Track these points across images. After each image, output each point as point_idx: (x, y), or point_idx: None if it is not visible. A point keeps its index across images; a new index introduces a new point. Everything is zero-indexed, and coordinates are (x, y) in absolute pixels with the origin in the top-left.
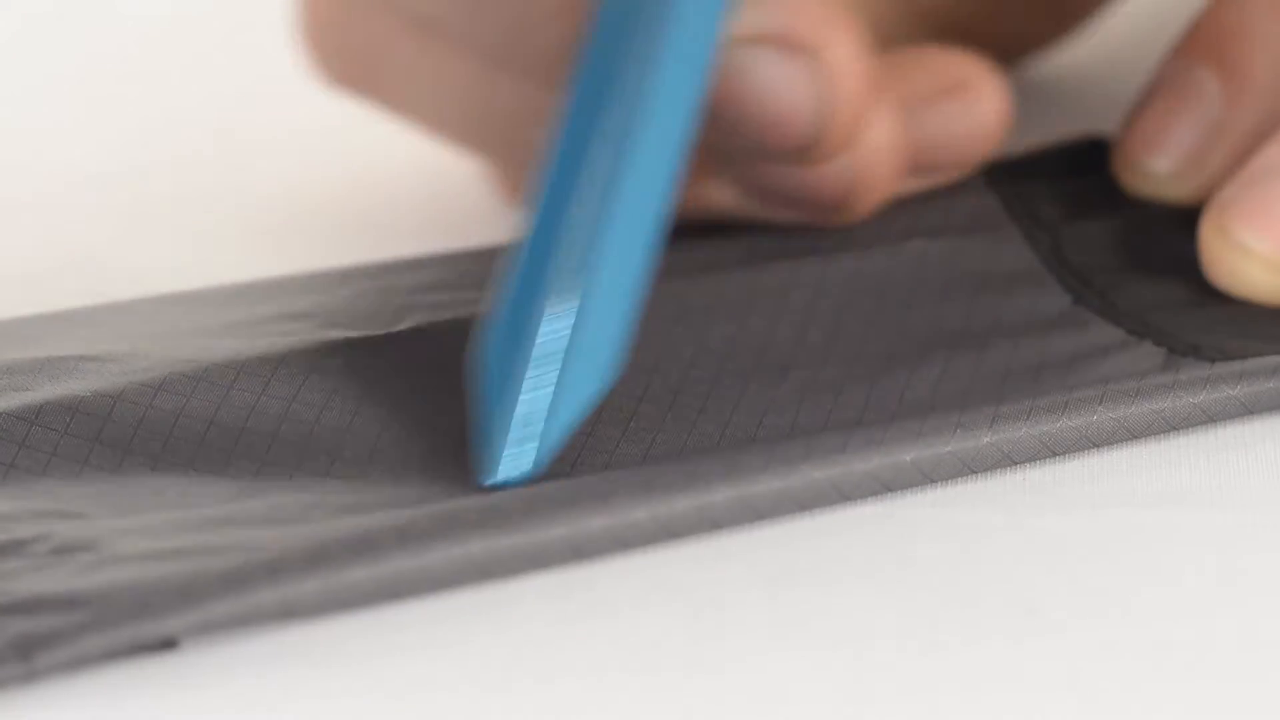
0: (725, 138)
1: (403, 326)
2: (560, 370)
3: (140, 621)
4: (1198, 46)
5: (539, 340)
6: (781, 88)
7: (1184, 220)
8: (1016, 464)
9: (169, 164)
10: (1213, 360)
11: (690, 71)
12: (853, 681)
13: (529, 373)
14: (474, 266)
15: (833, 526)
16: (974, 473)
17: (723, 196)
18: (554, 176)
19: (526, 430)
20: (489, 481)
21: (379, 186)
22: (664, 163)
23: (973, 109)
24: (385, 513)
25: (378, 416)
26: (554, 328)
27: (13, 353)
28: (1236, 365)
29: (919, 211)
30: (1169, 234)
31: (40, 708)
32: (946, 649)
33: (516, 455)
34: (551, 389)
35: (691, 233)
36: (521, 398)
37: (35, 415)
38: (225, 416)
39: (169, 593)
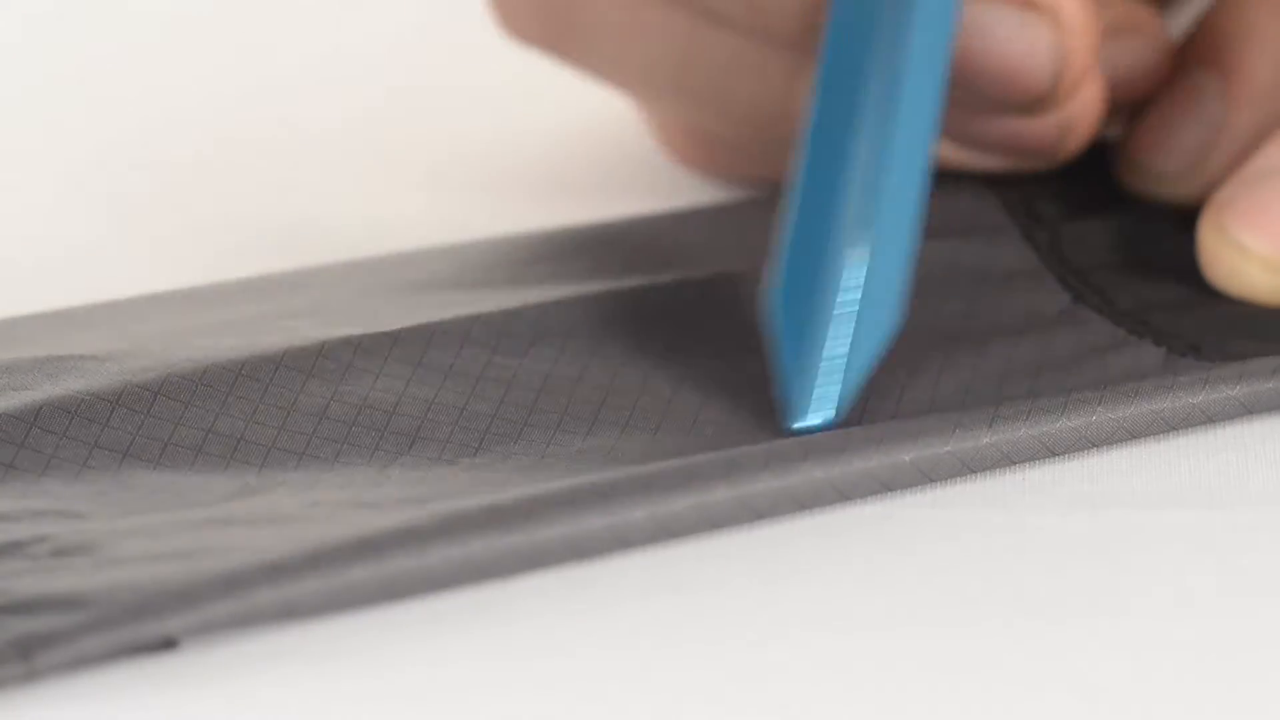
0: (965, 93)
1: (404, 325)
2: (856, 319)
3: (140, 622)
4: (1199, 48)
5: (840, 291)
6: (1022, 45)
7: (1184, 220)
8: (1016, 464)
9: (169, 163)
10: (1212, 360)
11: (941, 26)
12: (853, 681)
13: (832, 321)
14: (476, 260)
15: (832, 526)
16: (973, 472)
17: (939, 149)
18: (819, 135)
19: (831, 377)
20: (797, 425)
21: (381, 186)
22: (926, 115)
23: (1141, 49)
24: (385, 512)
25: (377, 417)
26: (851, 277)
27: (12, 352)
28: (1236, 366)
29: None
30: (1169, 233)
31: (40, 708)
32: (946, 649)
33: (822, 399)
34: (849, 337)
35: (690, 234)
36: (827, 344)
37: (35, 415)
38: (225, 417)
39: (169, 593)
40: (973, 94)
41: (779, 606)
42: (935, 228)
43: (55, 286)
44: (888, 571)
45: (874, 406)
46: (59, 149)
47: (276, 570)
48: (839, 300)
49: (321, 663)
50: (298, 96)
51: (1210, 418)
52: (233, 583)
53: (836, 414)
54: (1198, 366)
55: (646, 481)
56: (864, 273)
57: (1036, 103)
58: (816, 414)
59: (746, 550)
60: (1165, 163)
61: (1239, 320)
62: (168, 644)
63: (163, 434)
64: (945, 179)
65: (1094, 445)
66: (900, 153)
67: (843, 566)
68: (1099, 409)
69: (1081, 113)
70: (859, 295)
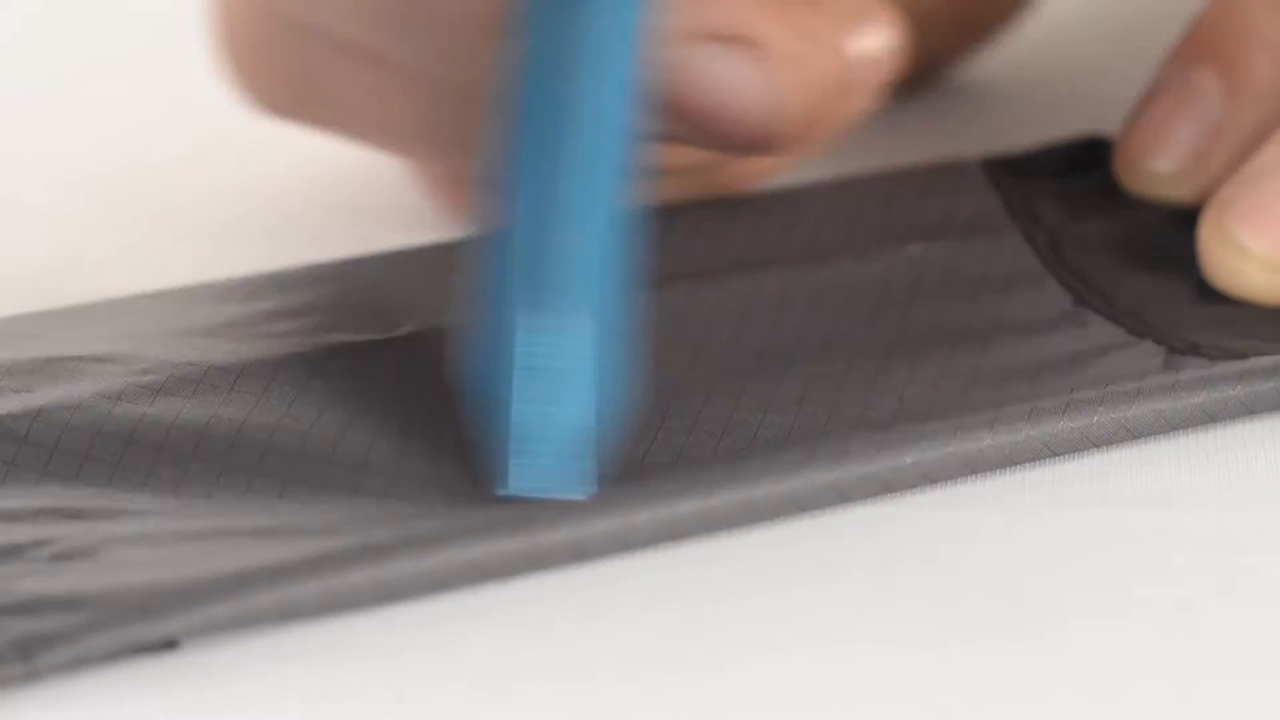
0: (689, 135)
1: (401, 331)
2: (549, 385)
3: (141, 623)
4: (1198, 47)
5: (518, 354)
6: (729, 84)
7: (1184, 220)
8: (1017, 464)
9: (169, 163)
10: (1213, 359)
11: (614, 75)
12: (853, 681)
13: (515, 386)
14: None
15: (833, 527)
16: (974, 473)
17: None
18: (510, 186)
19: (528, 444)
20: (501, 493)
21: (382, 182)
22: (605, 166)
23: (868, 44)
24: (380, 524)
25: (371, 423)
26: (531, 341)
27: (12, 352)
28: (1237, 365)
29: (919, 212)
30: (1169, 233)
31: (41, 708)
32: (946, 649)
33: (526, 468)
34: (543, 404)
35: (689, 235)
36: (515, 410)
37: (36, 415)
38: (224, 418)
39: (170, 594)
40: (696, 136)
41: (780, 607)
42: (935, 228)
43: (55, 286)
44: (888, 573)
45: (876, 404)
46: (59, 148)
47: (277, 573)
48: (520, 367)
49: (322, 662)
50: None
51: (1211, 417)
52: (233, 584)
53: (548, 484)
54: (1199, 366)
55: (648, 489)
56: (547, 339)
57: (763, 145)
58: (521, 482)
59: (747, 551)
60: (1164, 163)
61: (1240, 320)
62: (168, 644)
63: (162, 431)
64: (945, 179)
65: (1095, 445)
66: (575, 204)
67: (843, 567)
68: (1100, 409)
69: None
70: (544, 363)
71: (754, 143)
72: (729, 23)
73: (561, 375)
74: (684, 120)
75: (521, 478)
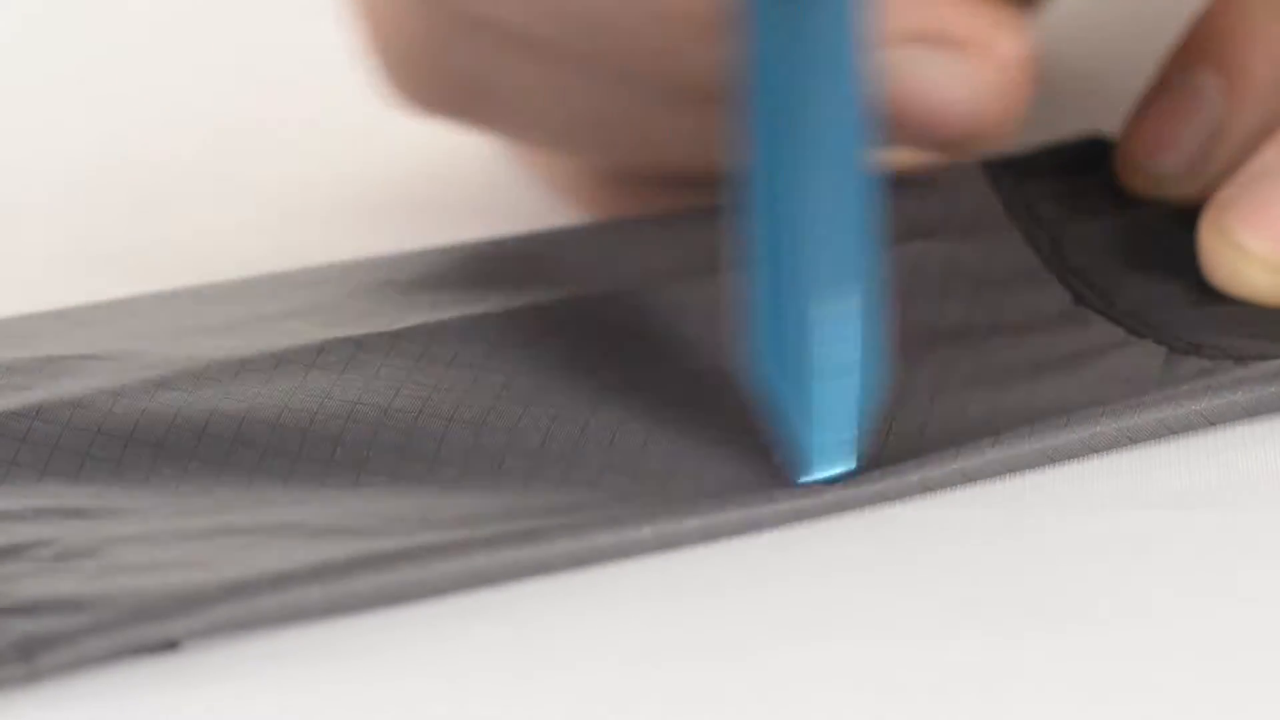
0: (895, 136)
1: (402, 326)
2: (843, 368)
3: (142, 624)
4: (1199, 47)
5: (816, 342)
6: (939, 86)
7: (1185, 220)
8: (1018, 471)
9: (169, 162)
10: (1213, 359)
11: (843, 67)
12: (853, 681)
13: (814, 379)
14: (473, 261)
15: (834, 527)
16: (976, 482)
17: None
18: (760, 189)
19: (831, 429)
20: (806, 479)
21: (381, 179)
22: (845, 158)
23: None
24: (380, 523)
25: (370, 419)
26: (827, 327)
27: (13, 352)
28: (1238, 370)
29: (919, 211)
30: (1170, 233)
31: (41, 708)
32: (946, 649)
33: (829, 452)
34: (838, 387)
35: (691, 236)
36: (815, 401)
37: (36, 413)
38: (225, 415)
39: (171, 597)
40: (909, 137)
41: (780, 607)
42: (936, 227)
43: (56, 285)
44: (889, 573)
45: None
46: (59, 148)
47: (280, 578)
48: (817, 356)
49: (323, 663)
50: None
51: (1212, 423)
52: (235, 589)
53: (852, 465)
54: (1199, 367)
55: (652, 505)
56: (836, 326)
57: (972, 138)
58: (825, 466)
59: (748, 552)
60: (1165, 163)
61: (1240, 320)
62: (169, 645)
63: (163, 426)
64: (945, 179)
65: (1097, 453)
66: (824, 200)
67: (844, 568)
68: (1102, 420)
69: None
70: (839, 348)
71: (965, 139)
72: (929, 23)
73: (850, 358)
74: (898, 122)
75: (824, 461)
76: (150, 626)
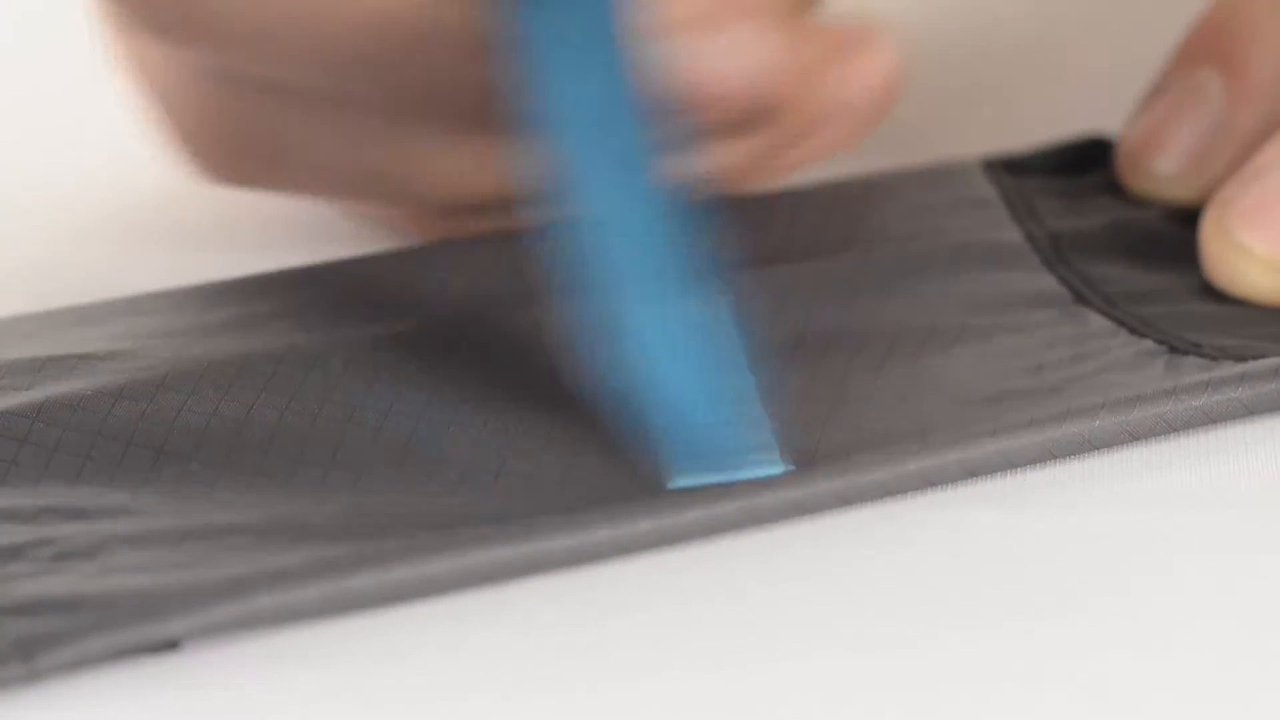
0: (706, 119)
1: (403, 327)
2: (695, 367)
3: (142, 624)
4: (1200, 47)
5: (656, 343)
6: (722, 63)
7: (1186, 219)
8: (1018, 467)
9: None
10: (1213, 358)
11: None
12: (853, 680)
13: (664, 374)
14: (470, 258)
15: (834, 527)
16: (975, 477)
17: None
18: (571, 197)
19: (690, 431)
20: (673, 486)
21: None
22: (646, 165)
23: (865, 70)
24: (381, 523)
25: (371, 420)
26: (664, 328)
27: (13, 352)
28: (1238, 367)
29: (920, 210)
30: (1171, 233)
31: (42, 708)
32: (946, 648)
33: (693, 456)
34: (694, 387)
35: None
36: (671, 397)
37: (37, 413)
38: (225, 416)
39: (171, 596)
40: (713, 114)
41: (781, 607)
42: (936, 226)
43: (57, 285)
44: (889, 573)
45: (875, 404)
46: (60, 147)
47: (279, 576)
48: (664, 360)
49: (323, 663)
50: None
51: (1212, 420)
52: (235, 586)
53: (728, 465)
54: (1200, 366)
55: (653, 499)
56: (674, 329)
57: (753, 119)
58: (687, 476)
59: (749, 552)
60: (1167, 163)
61: (1241, 319)
62: (170, 645)
63: (164, 426)
64: (945, 179)
65: (1097, 448)
66: (623, 204)
67: (845, 567)
68: (1102, 414)
69: (791, 138)
70: (681, 347)
71: (762, 100)
72: (694, 7)
73: (699, 358)
74: (701, 107)
75: (693, 465)
76: (150, 626)
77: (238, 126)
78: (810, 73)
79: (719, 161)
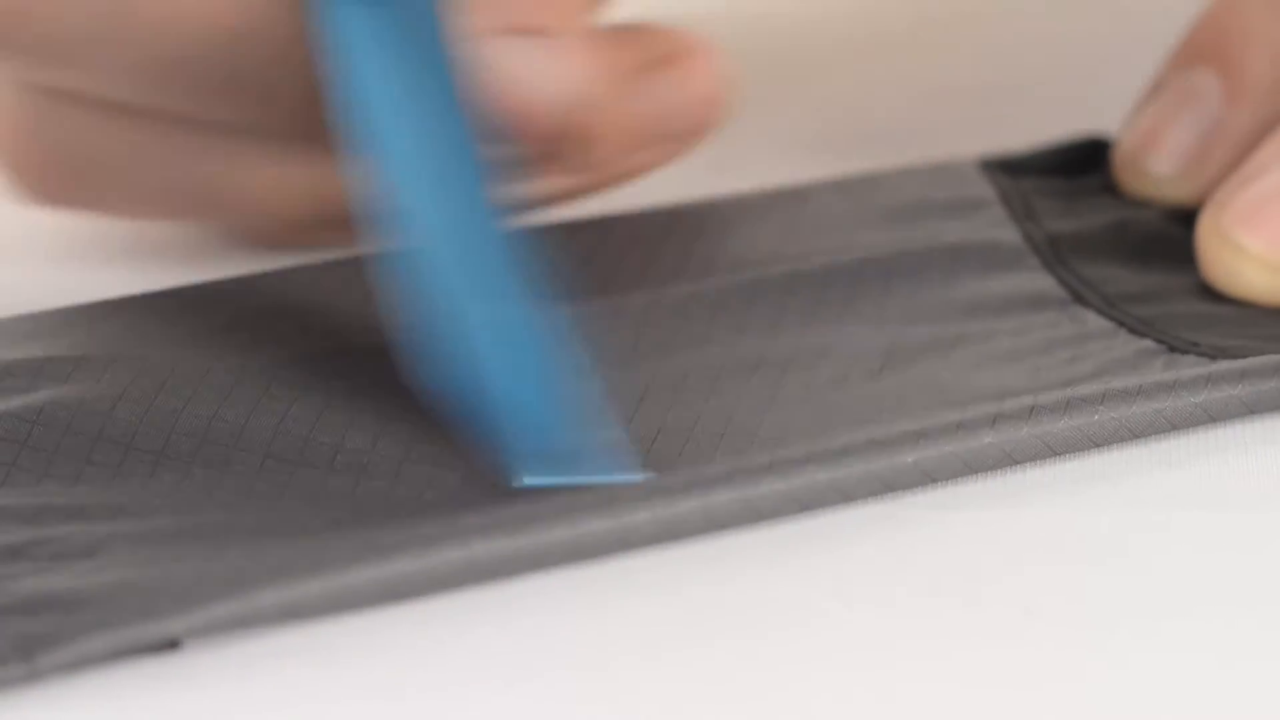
0: (512, 134)
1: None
2: (525, 373)
3: (143, 623)
4: (1198, 48)
5: (483, 348)
6: (525, 73)
7: (1183, 219)
8: (1018, 463)
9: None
10: (1213, 357)
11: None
12: (853, 679)
13: (493, 378)
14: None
15: (834, 527)
16: (975, 473)
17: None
18: (396, 204)
19: (535, 432)
20: (519, 484)
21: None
22: (476, 174)
23: (689, 79)
24: (382, 522)
25: (371, 424)
26: (493, 334)
27: (13, 352)
28: (1238, 364)
29: (917, 211)
30: (1168, 233)
31: (42, 708)
32: (946, 648)
33: (540, 457)
34: (529, 391)
35: (688, 237)
36: (507, 399)
37: (37, 415)
38: (226, 416)
39: (171, 594)
40: (517, 132)
41: (781, 606)
42: (935, 227)
43: (58, 285)
44: (889, 572)
45: (873, 404)
46: None
47: (278, 572)
48: (491, 364)
49: (324, 662)
50: None
51: (1212, 417)
52: (235, 584)
53: (558, 473)
54: (1199, 364)
55: (649, 487)
56: (500, 332)
57: (559, 137)
58: (537, 474)
59: (748, 550)
60: (1164, 164)
61: (1239, 319)
62: (170, 644)
63: (165, 428)
64: (945, 179)
65: (1096, 445)
66: (452, 211)
67: (845, 567)
68: (1101, 408)
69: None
70: (509, 353)
71: (563, 127)
72: (511, 17)
73: (528, 363)
74: (502, 116)
75: (539, 467)
76: (150, 625)
77: (55, 143)
78: (626, 87)
79: (537, 185)
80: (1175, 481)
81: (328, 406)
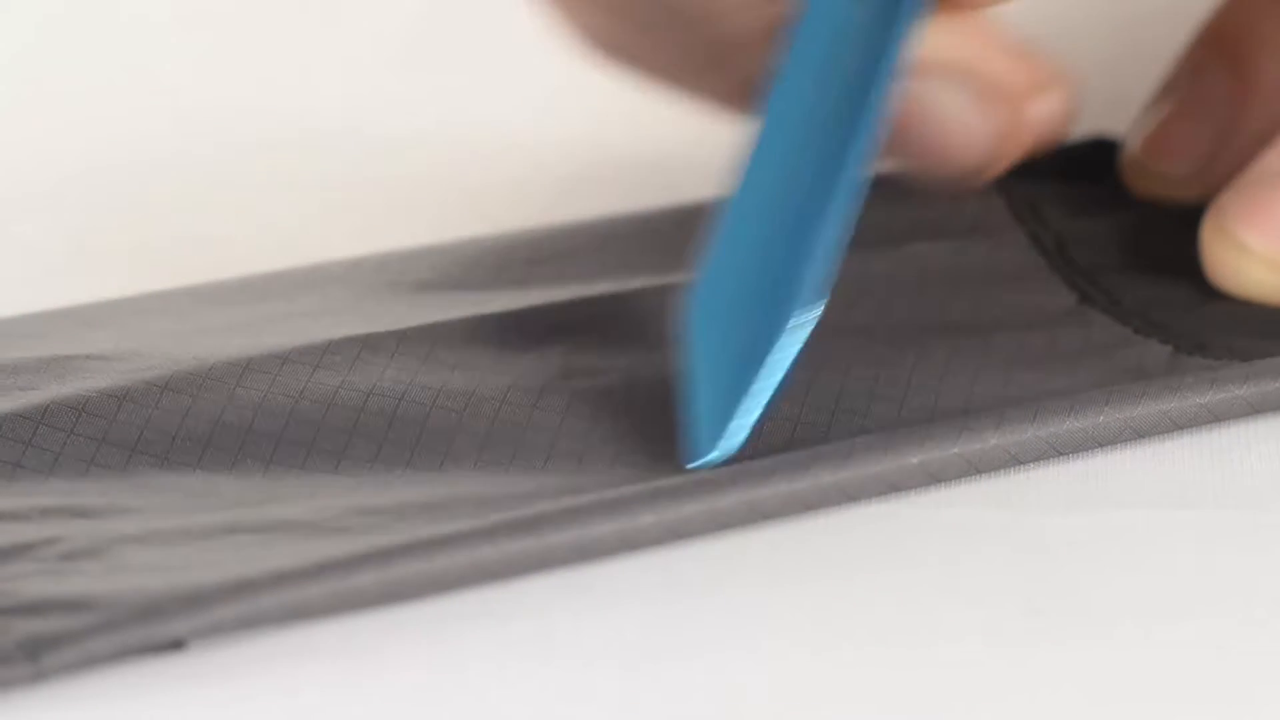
0: (901, 160)
1: (407, 326)
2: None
3: (148, 624)
4: (1208, 50)
5: (776, 351)
6: (963, 122)
7: (1189, 220)
8: (1023, 464)
9: (171, 162)
10: (1219, 358)
11: (877, 102)
12: (854, 679)
13: (760, 379)
14: (475, 260)
15: (838, 525)
16: (980, 473)
17: None
18: (758, 172)
19: (740, 421)
20: (694, 464)
21: (379, 181)
22: (857, 177)
23: (1059, 106)
24: (391, 522)
25: (379, 421)
26: (791, 342)
27: (18, 352)
28: (1243, 366)
29: (924, 212)
30: (1174, 233)
31: (47, 708)
32: (948, 648)
33: (726, 441)
34: (770, 391)
35: (692, 238)
36: (749, 397)
37: (42, 415)
38: (231, 415)
39: (177, 596)
40: (910, 164)
41: (783, 605)
42: (940, 228)
43: (58, 285)
44: (893, 571)
45: (880, 403)
46: (61, 147)
47: (284, 576)
48: (772, 359)
49: (327, 663)
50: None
51: (1217, 417)
52: (240, 587)
53: (729, 454)
54: (1204, 365)
55: (653, 490)
56: (803, 337)
57: (972, 176)
58: (716, 451)
59: (754, 550)
60: (1174, 167)
61: (1244, 319)
62: (175, 645)
63: (170, 427)
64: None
65: (1101, 445)
66: (840, 216)
67: (849, 566)
68: (1106, 409)
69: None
70: (792, 354)
71: (960, 173)
72: (966, 61)
73: (773, 368)
74: (903, 143)
75: (724, 446)
76: (156, 626)
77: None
78: (1023, 119)
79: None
80: (1180, 481)
81: (334, 400)
